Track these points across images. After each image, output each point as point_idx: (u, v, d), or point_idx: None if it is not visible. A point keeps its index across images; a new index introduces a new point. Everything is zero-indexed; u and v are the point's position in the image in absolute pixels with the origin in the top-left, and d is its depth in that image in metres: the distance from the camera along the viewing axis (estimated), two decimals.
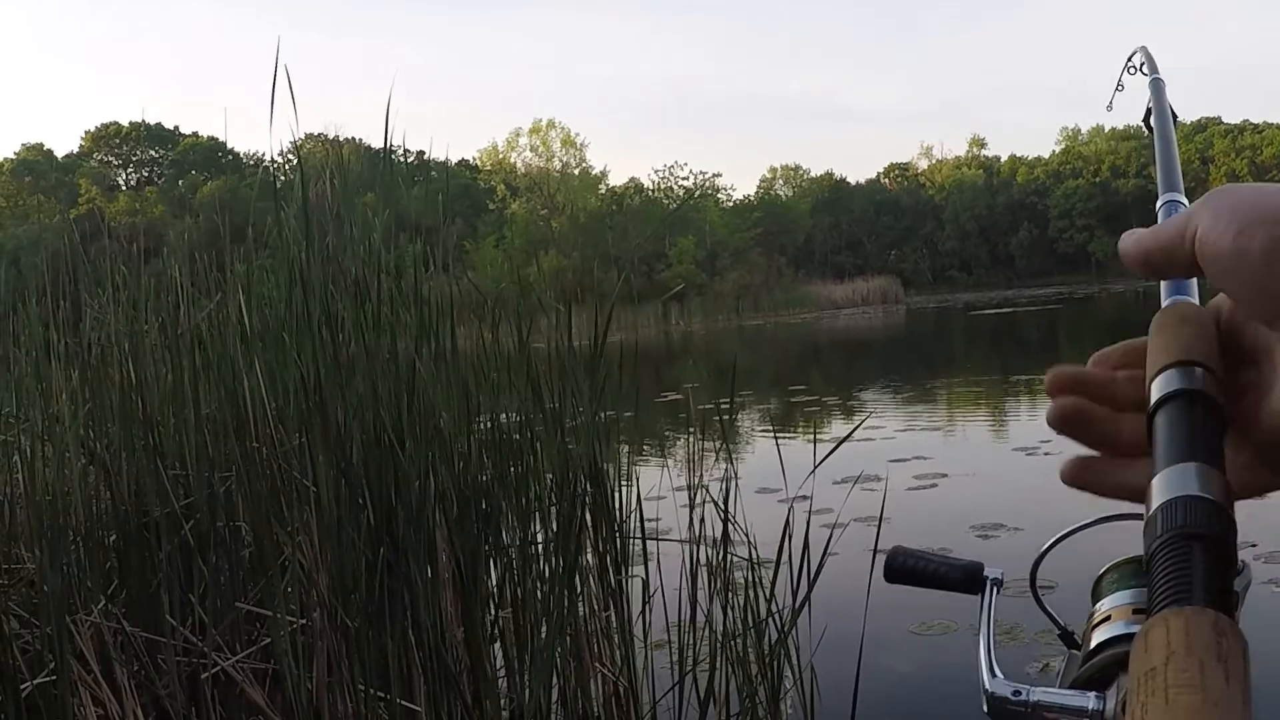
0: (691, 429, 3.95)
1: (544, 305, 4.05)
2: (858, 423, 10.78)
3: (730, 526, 3.50)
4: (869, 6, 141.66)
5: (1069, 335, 26.16)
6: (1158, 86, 0.91)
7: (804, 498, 3.51)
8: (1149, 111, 0.89)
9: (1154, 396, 0.53)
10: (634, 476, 3.78)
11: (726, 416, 3.71)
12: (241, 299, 3.52)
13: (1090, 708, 0.63)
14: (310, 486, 3.04)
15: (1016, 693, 0.67)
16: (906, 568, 0.89)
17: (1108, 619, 0.69)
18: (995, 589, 0.84)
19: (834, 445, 3.52)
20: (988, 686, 0.69)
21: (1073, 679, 0.66)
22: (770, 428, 11.58)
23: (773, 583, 3.29)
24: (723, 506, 3.46)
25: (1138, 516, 0.68)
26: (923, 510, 7.06)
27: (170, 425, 3.41)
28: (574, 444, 3.55)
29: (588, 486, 3.50)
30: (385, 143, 3.63)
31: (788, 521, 3.37)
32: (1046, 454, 8.48)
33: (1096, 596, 0.73)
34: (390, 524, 3.08)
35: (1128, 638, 0.65)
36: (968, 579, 0.86)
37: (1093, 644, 0.68)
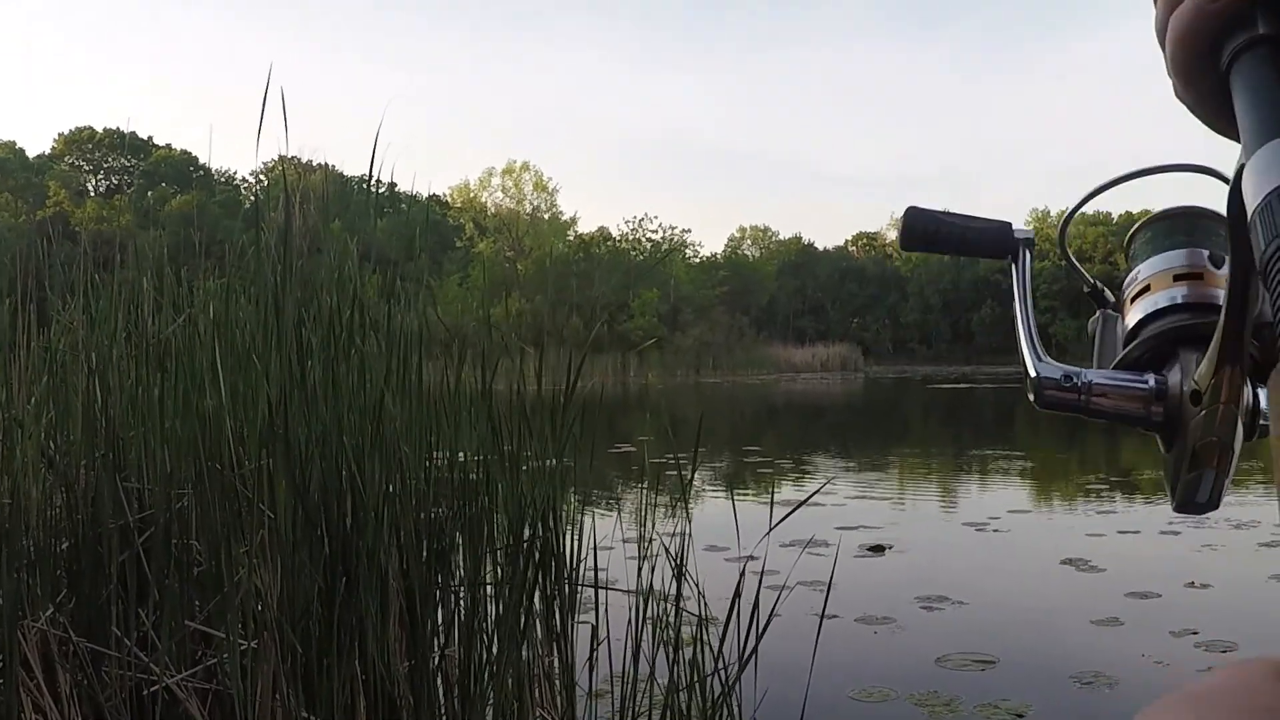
0: (644, 482, 3.98)
1: (509, 347, 4.08)
2: (814, 489, 10.84)
3: (682, 582, 3.52)
4: (855, 77, 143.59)
5: (1026, 416, 26.43)
6: None
7: (753, 558, 3.54)
8: None
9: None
10: (585, 524, 3.80)
11: (685, 474, 3.74)
12: (212, 316, 3.53)
13: (1151, 387, 0.57)
14: (267, 512, 3.04)
15: (1068, 376, 0.60)
16: (927, 231, 0.76)
17: (1147, 289, 0.62)
18: (1028, 253, 0.72)
19: (790, 509, 3.56)
20: (1033, 372, 0.62)
21: (1119, 358, 0.61)
22: (721, 486, 11.60)
23: (722, 639, 3.31)
24: (677, 562, 3.49)
25: (1195, 169, 0.60)
26: (868, 579, 7.09)
27: (130, 437, 3.41)
28: (530, 487, 3.57)
29: (540, 530, 3.52)
30: (371, 171, 3.68)
31: (740, 581, 3.40)
32: (995, 530, 8.56)
33: (1131, 262, 0.65)
34: (345, 553, 3.08)
35: (1175, 309, 0.60)
36: (997, 242, 0.74)
37: (1133, 320, 0.62)
